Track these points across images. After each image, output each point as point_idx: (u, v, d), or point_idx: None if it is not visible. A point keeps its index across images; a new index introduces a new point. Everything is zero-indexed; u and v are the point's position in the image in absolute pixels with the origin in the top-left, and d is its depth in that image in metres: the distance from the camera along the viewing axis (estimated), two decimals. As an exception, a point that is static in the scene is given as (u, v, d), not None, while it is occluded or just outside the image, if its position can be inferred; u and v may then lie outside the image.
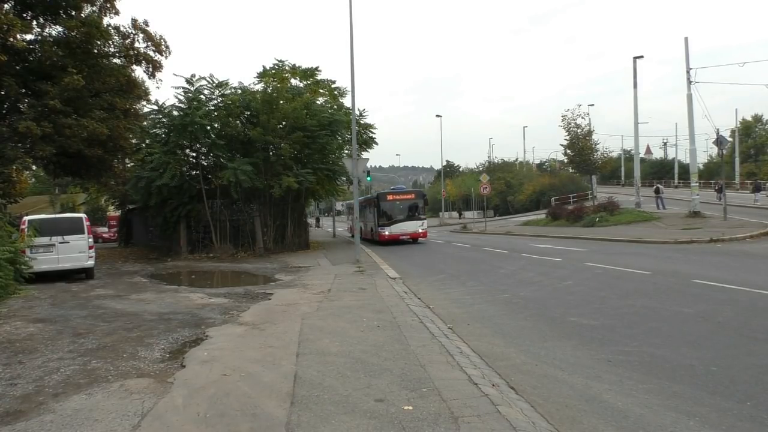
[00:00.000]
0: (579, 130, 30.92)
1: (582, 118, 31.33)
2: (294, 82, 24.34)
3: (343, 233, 40.10)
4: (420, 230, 24.84)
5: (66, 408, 4.41)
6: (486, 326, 7.42)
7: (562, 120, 30.99)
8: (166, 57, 21.44)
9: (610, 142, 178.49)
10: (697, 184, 25.23)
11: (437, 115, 65.45)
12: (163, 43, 21.27)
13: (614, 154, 53.04)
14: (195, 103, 20.48)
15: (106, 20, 19.96)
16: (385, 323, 7.29)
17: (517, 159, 75.54)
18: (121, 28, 20.63)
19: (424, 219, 25.44)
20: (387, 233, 24.50)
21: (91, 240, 14.44)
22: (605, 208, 27.72)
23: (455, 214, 61.99)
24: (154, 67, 21.29)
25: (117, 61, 21.32)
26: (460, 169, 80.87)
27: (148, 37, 20.88)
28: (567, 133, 31.10)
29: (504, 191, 57.31)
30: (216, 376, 5.12)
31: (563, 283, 10.77)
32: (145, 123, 22.77)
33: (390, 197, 25.39)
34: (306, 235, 24.86)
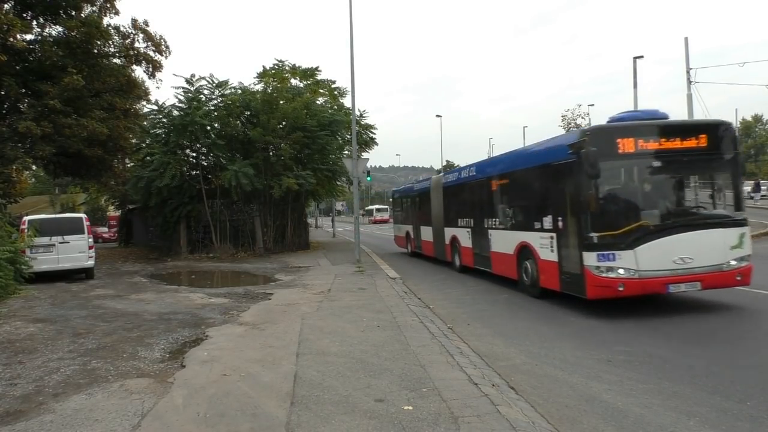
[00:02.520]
0: (579, 130, 30.91)
1: (582, 118, 31.46)
2: (294, 82, 24.29)
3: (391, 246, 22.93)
4: (732, 260, 7.42)
5: (66, 408, 4.41)
6: (486, 326, 7.42)
7: (562, 120, 31.12)
8: (166, 57, 21.46)
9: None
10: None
11: (437, 115, 65.56)
12: (163, 43, 21.29)
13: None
14: (195, 103, 20.44)
15: (106, 20, 20.00)
16: (385, 323, 7.28)
17: (517, 159, 75.32)
18: (121, 28, 20.65)
19: (745, 225, 8.09)
20: (631, 269, 7.01)
21: (91, 240, 14.42)
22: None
23: None
24: (154, 67, 21.29)
25: (117, 61, 21.32)
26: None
27: (148, 37, 20.88)
28: (567, 133, 31.11)
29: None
30: (216, 376, 5.12)
31: (563, 283, 10.75)
32: (145, 123, 22.76)
33: (637, 143, 7.33)
34: (306, 235, 24.81)
